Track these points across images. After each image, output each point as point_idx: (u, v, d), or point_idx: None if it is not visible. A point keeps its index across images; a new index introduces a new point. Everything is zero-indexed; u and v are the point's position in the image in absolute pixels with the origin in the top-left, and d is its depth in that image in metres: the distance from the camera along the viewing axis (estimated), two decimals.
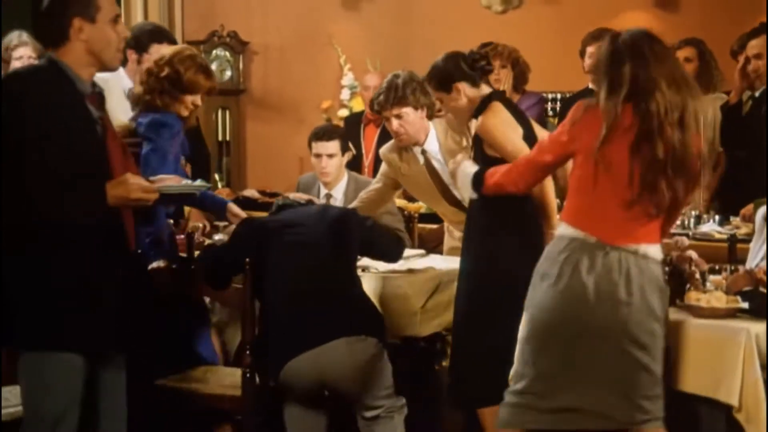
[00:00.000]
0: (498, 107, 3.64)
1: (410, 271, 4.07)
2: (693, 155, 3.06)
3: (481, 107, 3.66)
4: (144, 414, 3.35)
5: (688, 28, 5.70)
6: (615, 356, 3.07)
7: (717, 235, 4.40)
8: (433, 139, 4.30)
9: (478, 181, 3.42)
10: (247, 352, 3.52)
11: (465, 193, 3.62)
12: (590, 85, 5.26)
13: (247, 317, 3.54)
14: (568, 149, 3.14)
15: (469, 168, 3.50)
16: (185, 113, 3.86)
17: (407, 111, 4.22)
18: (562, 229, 3.16)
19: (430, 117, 4.29)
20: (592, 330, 3.06)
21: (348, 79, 7.47)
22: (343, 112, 7.23)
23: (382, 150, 4.46)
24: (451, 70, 3.73)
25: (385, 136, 6.13)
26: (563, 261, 3.08)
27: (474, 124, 3.74)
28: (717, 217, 4.58)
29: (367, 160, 6.06)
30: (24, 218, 2.77)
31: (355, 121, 6.32)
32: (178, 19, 7.52)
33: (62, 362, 2.83)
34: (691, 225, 4.50)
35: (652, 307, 3.09)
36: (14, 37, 4.94)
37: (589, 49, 5.29)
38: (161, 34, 4.42)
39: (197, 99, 3.86)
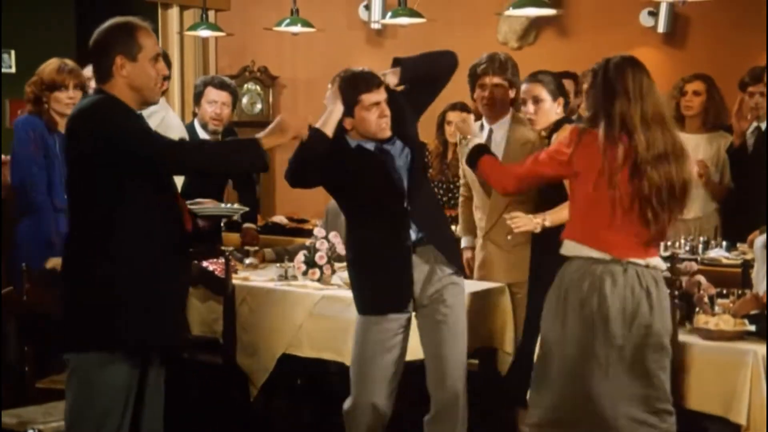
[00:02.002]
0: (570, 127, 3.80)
1: None
2: (679, 186, 3.08)
3: (557, 126, 3.88)
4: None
5: (695, 64, 5.71)
6: (635, 372, 3.07)
7: (725, 261, 4.40)
8: (505, 123, 4.28)
9: (473, 157, 3.43)
10: None
11: (461, 154, 3.65)
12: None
13: None
14: (568, 170, 3.15)
15: (474, 140, 3.48)
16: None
17: (503, 83, 4.23)
18: (573, 249, 3.14)
19: (511, 103, 4.32)
20: (617, 348, 3.06)
21: None
22: None
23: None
24: (560, 85, 3.93)
25: None
26: (588, 285, 3.08)
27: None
28: (724, 243, 4.57)
29: None
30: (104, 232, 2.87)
31: None
32: (212, 55, 7.60)
33: (111, 378, 2.87)
34: (700, 251, 4.49)
35: (668, 320, 3.13)
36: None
37: (587, 86, 5.21)
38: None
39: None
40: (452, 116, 5.79)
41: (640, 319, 3.07)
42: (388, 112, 3.45)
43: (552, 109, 4.04)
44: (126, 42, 2.90)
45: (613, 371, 3.07)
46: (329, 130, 3.42)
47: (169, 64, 4.49)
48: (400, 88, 3.59)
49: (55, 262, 3.93)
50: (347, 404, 3.58)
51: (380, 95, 3.45)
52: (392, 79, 3.56)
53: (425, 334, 3.58)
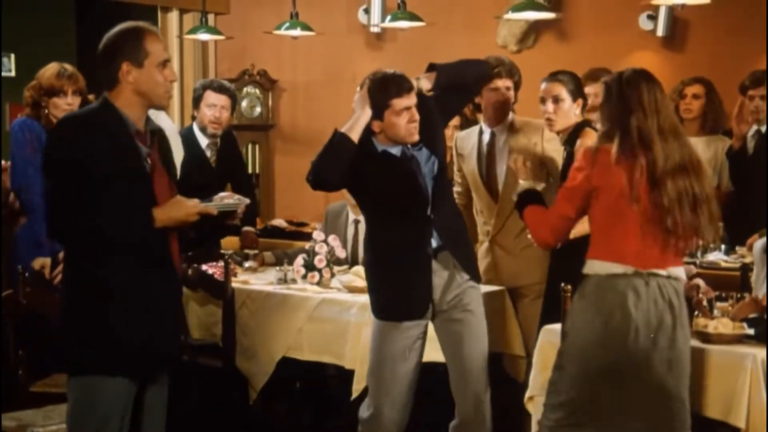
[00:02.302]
0: (592, 131, 3.81)
1: None
2: (698, 196, 3.08)
3: (576, 132, 3.86)
4: None
5: (694, 68, 5.71)
6: (659, 386, 3.07)
7: (723, 264, 4.40)
8: (506, 126, 4.30)
9: (521, 204, 3.38)
10: None
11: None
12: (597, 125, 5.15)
13: None
14: (587, 196, 3.12)
15: (526, 184, 3.43)
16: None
17: (511, 86, 4.26)
18: (595, 267, 3.12)
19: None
20: (643, 361, 3.06)
21: None
22: None
23: (458, 134, 4.55)
24: (579, 86, 3.95)
25: None
26: (611, 301, 3.06)
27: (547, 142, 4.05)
28: (723, 247, 4.56)
29: None
30: (85, 249, 2.84)
31: None
32: (212, 59, 7.60)
33: (112, 385, 2.86)
34: (699, 254, 4.48)
35: (688, 333, 3.14)
36: None
37: (587, 89, 5.16)
38: None
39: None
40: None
41: (664, 332, 3.07)
42: (417, 116, 3.42)
43: (571, 110, 4.00)
44: (132, 48, 2.87)
45: (635, 384, 3.06)
46: (355, 135, 3.39)
47: None
48: (431, 93, 3.57)
49: (42, 262, 3.95)
50: (366, 413, 3.57)
51: (411, 100, 3.41)
52: (426, 83, 3.54)
53: (445, 340, 3.57)
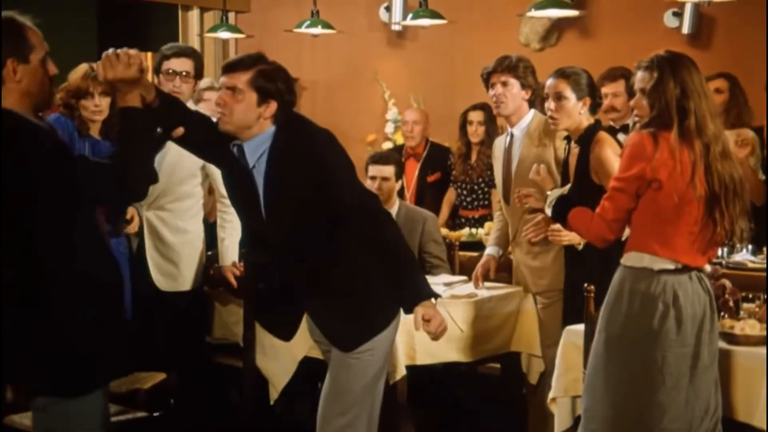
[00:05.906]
0: (607, 136, 3.67)
1: (453, 296, 4.07)
2: (738, 182, 3.05)
3: (589, 134, 3.69)
4: None
5: (721, 66, 5.66)
6: (702, 381, 3.06)
7: (750, 265, 4.38)
8: (524, 124, 4.19)
9: (559, 213, 3.29)
10: None
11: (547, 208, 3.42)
12: (614, 123, 4.94)
13: None
14: (645, 183, 3.02)
15: (556, 192, 3.37)
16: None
17: (513, 82, 4.12)
18: (640, 260, 3.06)
19: (531, 103, 4.20)
20: (689, 356, 3.04)
21: (392, 113, 7.52)
22: (387, 145, 7.27)
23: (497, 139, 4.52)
24: (590, 84, 3.80)
25: (425, 169, 6.15)
26: (660, 297, 3.02)
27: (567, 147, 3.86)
28: (750, 247, 4.53)
29: (409, 192, 6.07)
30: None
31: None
32: (232, 57, 7.63)
33: (94, 400, 2.63)
34: (725, 254, 4.46)
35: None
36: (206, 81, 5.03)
37: (605, 89, 4.85)
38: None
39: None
40: (473, 116, 5.79)
41: (706, 324, 3.05)
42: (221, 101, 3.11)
43: (575, 109, 3.75)
44: (15, 42, 2.53)
45: (682, 381, 3.03)
46: None
47: (202, 65, 4.48)
48: None
49: None
50: None
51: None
52: None
53: None
